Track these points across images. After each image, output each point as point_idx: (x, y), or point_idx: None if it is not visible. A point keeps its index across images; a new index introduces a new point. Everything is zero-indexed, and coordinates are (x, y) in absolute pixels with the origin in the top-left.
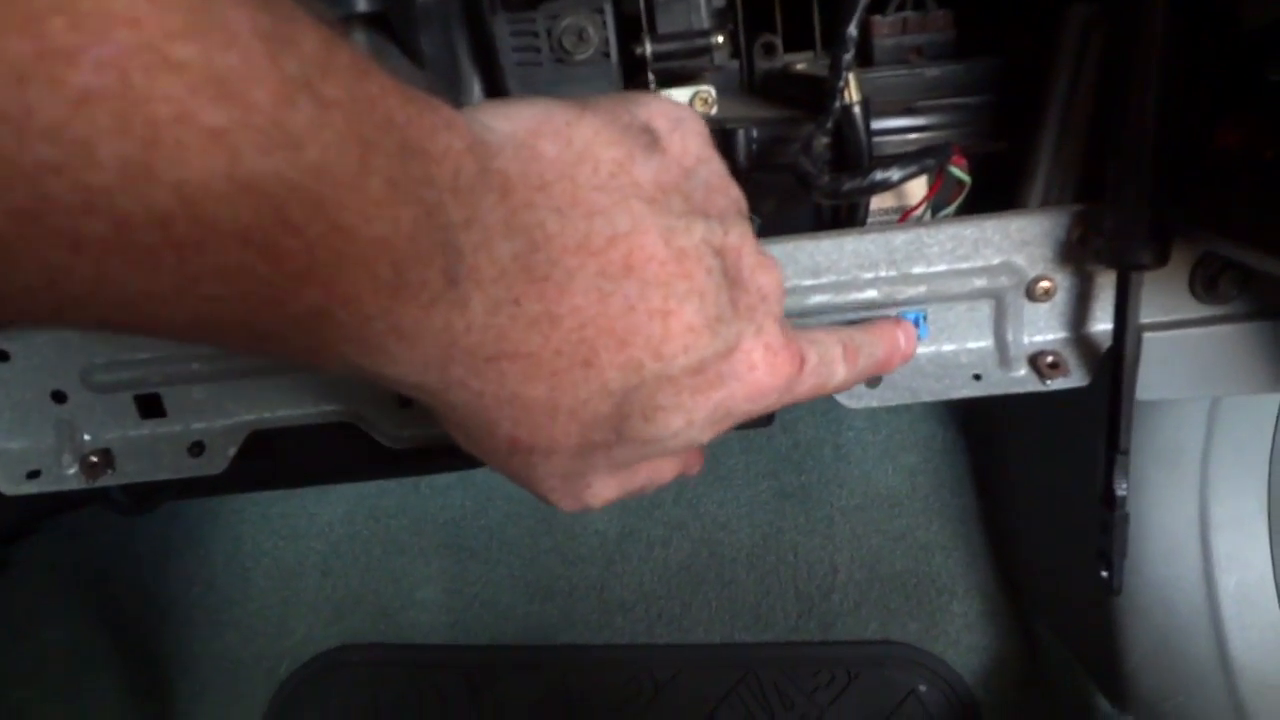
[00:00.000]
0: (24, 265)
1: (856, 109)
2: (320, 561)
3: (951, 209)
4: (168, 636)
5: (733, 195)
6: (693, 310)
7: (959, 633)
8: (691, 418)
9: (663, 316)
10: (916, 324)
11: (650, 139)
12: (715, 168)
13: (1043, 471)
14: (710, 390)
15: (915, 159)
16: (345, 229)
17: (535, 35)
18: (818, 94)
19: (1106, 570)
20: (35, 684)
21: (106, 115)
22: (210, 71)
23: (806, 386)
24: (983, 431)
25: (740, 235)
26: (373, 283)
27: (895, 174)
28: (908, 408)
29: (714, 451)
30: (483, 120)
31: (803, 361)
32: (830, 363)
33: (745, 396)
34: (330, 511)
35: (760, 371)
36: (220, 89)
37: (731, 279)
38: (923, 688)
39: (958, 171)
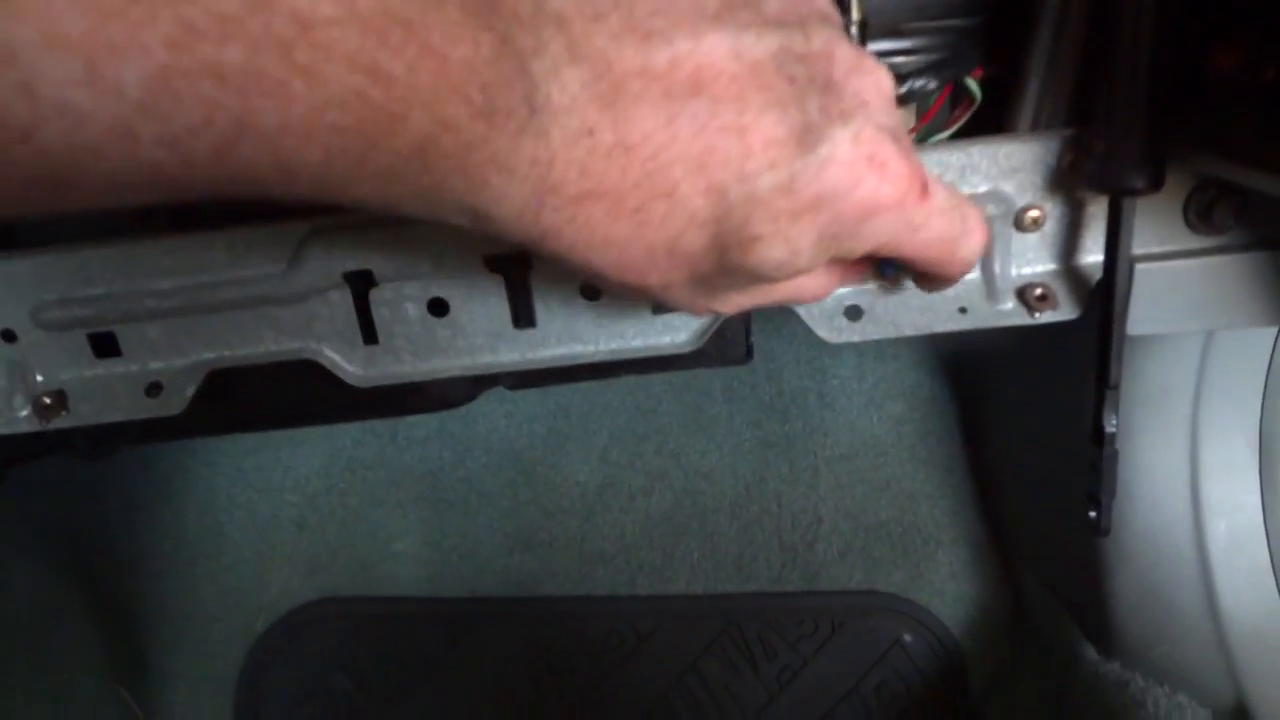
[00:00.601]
0: (185, 99)
1: (854, 29)
2: (296, 514)
3: (951, 131)
4: (140, 591)
5: (816, 3)
6: (772, 122)
7: (944, 582)
8: (795, 246)
9: (739, 133)
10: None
11: None
12: None
13: (1030, 419)
14: (810, 214)
15: (943, 66)
16: (436, 52)
17: None
18: None
19: (1095, 510)
20: (4, 638)
21: None
22: None
23: (936, 227)
24: (970, 379)
25: (826, 40)
26: (468, 107)
27: (932, 82)
28: (894, 355)
29: (696, 400)
30: None
31: (925, 188)
32: (968, 219)
33: (854, 216)
34: (306, 464)
35: (866, 187)
36: None
37: (821, 85)
38: (908, 637)
39: (973, 84)
